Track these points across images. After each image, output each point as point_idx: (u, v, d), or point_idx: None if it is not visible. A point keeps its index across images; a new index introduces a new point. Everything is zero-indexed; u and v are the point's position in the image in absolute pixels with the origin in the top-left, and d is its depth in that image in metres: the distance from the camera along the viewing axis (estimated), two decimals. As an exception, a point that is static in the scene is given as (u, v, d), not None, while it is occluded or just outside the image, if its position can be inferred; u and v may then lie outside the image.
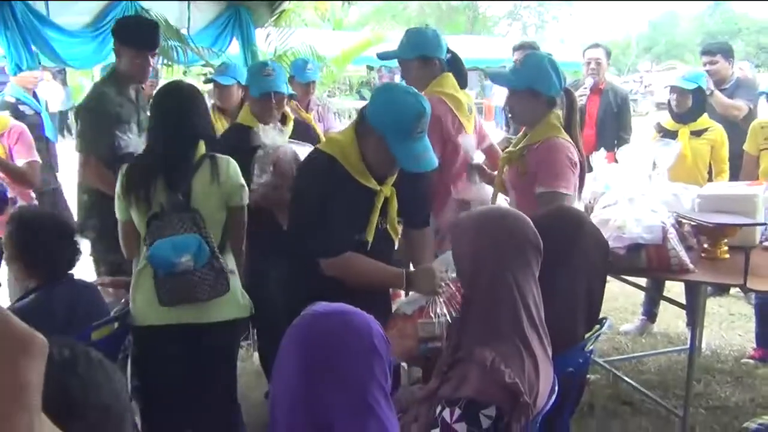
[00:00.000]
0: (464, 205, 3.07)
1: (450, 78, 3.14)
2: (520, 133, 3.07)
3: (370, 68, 16.67)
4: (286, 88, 3.20)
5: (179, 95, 2.63)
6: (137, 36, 3.34)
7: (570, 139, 2.83)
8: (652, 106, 19.88)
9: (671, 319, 4.62)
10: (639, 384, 3.68)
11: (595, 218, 2.97)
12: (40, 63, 4.28)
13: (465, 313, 1.85)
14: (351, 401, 1.29)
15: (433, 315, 2.19)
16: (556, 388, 1.84)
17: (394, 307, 2.48)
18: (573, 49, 15.26)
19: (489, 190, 3.15)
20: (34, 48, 3.91)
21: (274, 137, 2.99)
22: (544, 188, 2.73)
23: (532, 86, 2.81)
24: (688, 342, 4.25)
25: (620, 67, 30.43)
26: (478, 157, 3.35)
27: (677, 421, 3.30)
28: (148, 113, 3.46)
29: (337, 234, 2.32)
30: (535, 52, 3.00)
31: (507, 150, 3.00)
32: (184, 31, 4.97)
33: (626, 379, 3.71)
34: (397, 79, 18.31)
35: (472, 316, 1.81)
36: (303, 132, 3.27)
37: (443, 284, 2.25)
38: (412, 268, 2.60)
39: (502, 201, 3.10)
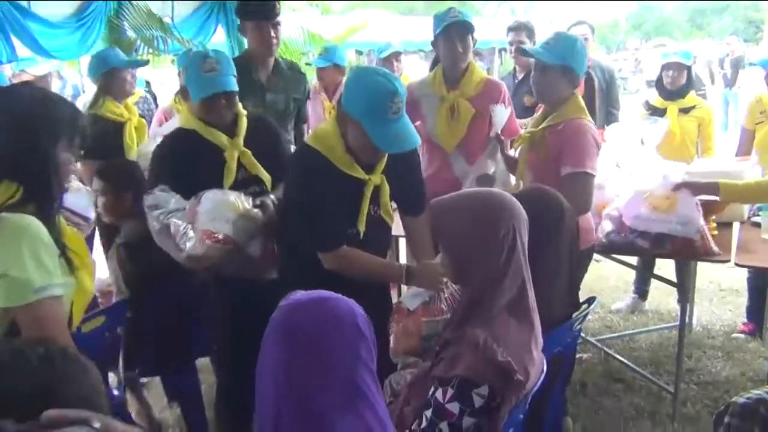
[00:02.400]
0: (486, 179, 3.08)
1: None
2: (538, 113, 3.06)
3: (359, 53, 16.56)
4: (235, 83, 2.53)
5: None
6: (251, 6, 3.30)
7: (593, 121, 2.84)
8: (642, 83, 19.82)
9: (662, 297, 4.63)
10: (631, 361, 3.71)
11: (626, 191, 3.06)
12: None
13: (460, 298, 1.85)
14: (339, 385, 1.29)
15: (436, 312, 2.19)
16: (545, 368, 1.85)
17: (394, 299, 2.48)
18: (562, 29, 15.18)
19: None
20: (14, 40, 3.87)
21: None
22: (570, 169, 2.72)
23: (568, 63, 2.78)
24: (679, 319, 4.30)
25: (609, 44, 30.33)
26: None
27: (669, 397, 3.33)
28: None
29: (330, 228, 2.31)
30: (565, 32, 2.98)
31: (527, 130, 2.99)
32: (167, 20, 4.93)
33: (618, 357, 3.74)
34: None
35: (463, 296, 1.81)
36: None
37: (446, 280, 2.23)
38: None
39: (506, 179, 3.08)
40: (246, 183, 2.59)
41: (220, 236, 2.32)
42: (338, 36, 7.84)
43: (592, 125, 2.83)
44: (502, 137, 3.20)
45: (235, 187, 2.52)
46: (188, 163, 2.48)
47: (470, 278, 1.79)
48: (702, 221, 2.90)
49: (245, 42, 5.43)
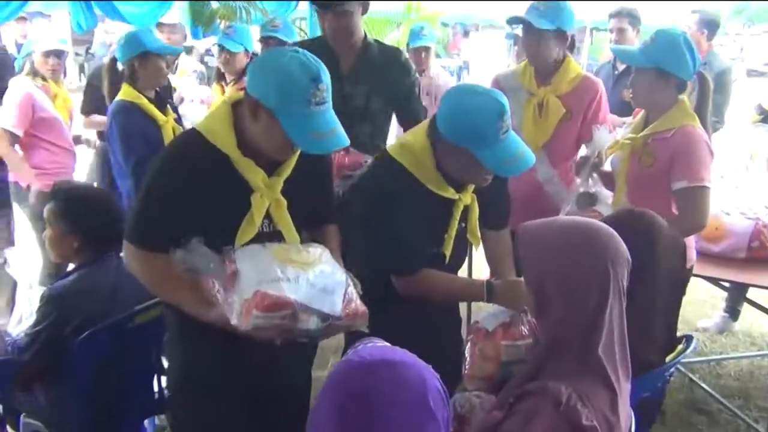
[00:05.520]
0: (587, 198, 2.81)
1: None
2: (637, 117, 2.77)
3: (444, 25, 16.24)
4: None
5: None
6: None
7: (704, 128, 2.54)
8: (742, 73, 18.76)
9: (755, 317, 4.23)
10: (717, 390, 3.41)
11: None
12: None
13: (539, 338, 1.63)
14: None
15: (517, 336, 1.97)
16: (633, 428, 1.62)
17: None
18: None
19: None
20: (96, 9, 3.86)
21: None
22: (687, 183, 2.45)
23: (662, 66, 2.48)
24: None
25: (708, 29, 28.78)
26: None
27: (758, 436, 3.04)
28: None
29: (413, 250, 2.10)
30: (668, 28, 2.66)
31: (626, 136, 2.69)
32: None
33: (703, 385, 3.44)
34: (470, 39, 17.61)
35: (547, 343, 1.58)
36: None
37: None
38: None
39: (608, 197, 2.79)
40: (266, 239, 1.84)
41: (271, 300, 1.61)
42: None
43: (704, 132, 2.53)
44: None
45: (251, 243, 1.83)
46: (208, 195, 1.77)
47: (551, 320, 1.57)
48: None
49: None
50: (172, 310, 1.94)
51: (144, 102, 3.25)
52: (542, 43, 2.83)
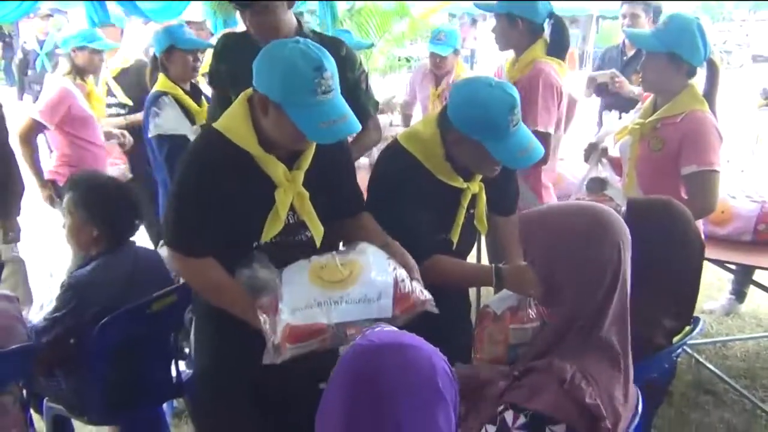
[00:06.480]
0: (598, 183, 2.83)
1: (541, 46, 2.89)
2: (646, 101, 2.79)
3: (452, 16, 16.15)
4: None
5: None
6: None
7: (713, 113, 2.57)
8: (747, 58, 18.67)
9: (761, 299, 4.27)
10: (723, 371, 3.45)
11: None
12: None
13: (547, 322, 1.67)
14: None
15: (525, 319, 2.02)
16: (640, 407, 1.65)
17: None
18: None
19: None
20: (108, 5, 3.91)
21: None
22: (696, 167, 2.48)
23: (674, 50, 2.51)
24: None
25: (713, 14, 28.62)
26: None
27: (765, 416, 3.08)
28: None
29: (422, 238, 2.14)
30: (682, 13, 2.68)
31: (636, 121, 2.72)
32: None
33: (709, 366, 3.48)
34: (478, 29, 17.53)
35: (555, 326, 1.62)
36: None
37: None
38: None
39: (617, 182, 2.81)
40: (292, 230, 1.92)
41: (300, 331, 1.66)
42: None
43: (713, 117, 2.56)
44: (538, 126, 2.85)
45: (278, 235, 1.88)
46: (234, 193, 1.80)
47: (562, 306, 1.59)
48: None
49: (336, 8, 5.21)
50: (201, 304, 1.99)
51: (179, 93, 3.35)
52: (497, 28, 2.94)
